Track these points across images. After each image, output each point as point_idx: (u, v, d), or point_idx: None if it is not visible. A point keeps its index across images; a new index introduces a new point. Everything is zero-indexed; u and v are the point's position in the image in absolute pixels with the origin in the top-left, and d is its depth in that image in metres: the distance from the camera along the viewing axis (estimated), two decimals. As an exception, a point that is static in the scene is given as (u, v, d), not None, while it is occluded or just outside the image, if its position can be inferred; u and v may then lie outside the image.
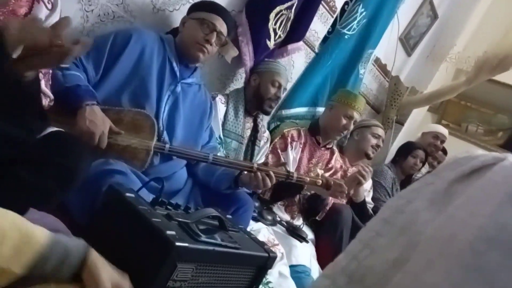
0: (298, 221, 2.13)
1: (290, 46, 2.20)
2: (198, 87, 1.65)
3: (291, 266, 1.76)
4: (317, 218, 2.15)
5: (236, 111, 1.93)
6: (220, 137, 1.85)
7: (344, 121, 2.19)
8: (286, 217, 2.10)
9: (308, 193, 2.16)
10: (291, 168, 2.10)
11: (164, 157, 1.44)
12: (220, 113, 1.87)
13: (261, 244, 1.15)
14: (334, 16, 2.52)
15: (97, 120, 1.22)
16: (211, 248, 0.93)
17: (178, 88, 1.51)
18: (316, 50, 2.56)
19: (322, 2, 2.35)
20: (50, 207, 0.92)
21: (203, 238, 0.93)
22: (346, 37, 2.56)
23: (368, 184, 2.69)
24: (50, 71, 1.13)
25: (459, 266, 0.35)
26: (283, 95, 2.48)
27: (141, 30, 1.49)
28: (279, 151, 2.13)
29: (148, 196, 1.09)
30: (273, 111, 2.45)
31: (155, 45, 1.48)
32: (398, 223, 0.43)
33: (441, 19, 3.45)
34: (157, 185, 1.26)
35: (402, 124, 3.59)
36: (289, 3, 2.00)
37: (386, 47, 3.04)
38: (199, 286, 0.93)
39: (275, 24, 2.01)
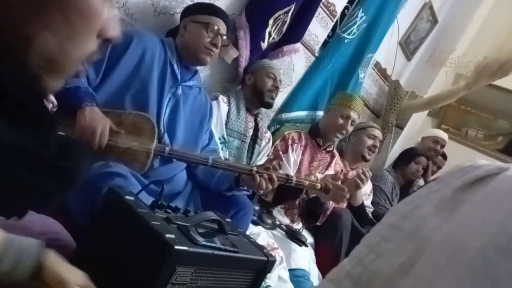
0: (298, 225, 2.13)
1: (286, 48, 2.21)
2: (199, 90, 1.65)
3: (290, 270, 1.76)
4: (317, 223, 2.15)
5: (238, 110, 1.95)
6: (223, 137, 1.86)
7: (341, 121, 2.19)
8: (286, 220, 2.10)
9: (308, 196, 2.15)
10: (292, 170, 2.11)
11: (164, 160, 1.44)
12: (222, 113, 1.88)
13: (261, 248, 1.15)
14: (334, 20, 2.53)
15: (97, 118, 1.23)
16: (210, 251, 0.93)
17: (179, 91, 1.52)
18: (316, 54, 2.57)
19: (322, 6, 2.36)
20: (49, 208, 0.92)
21: (202, 241, 0.93)
22: (346, 41, 2.57)
23: (368, 188, 2.69)
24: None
25: (470, 274, 0.36)
26: (282, 98, 2.49)
27: (142, 33, 1.49)
28: (280, 153, 2.13)
29: (148, 199, 1.09)
30: (273, 115, 2.47)
31: (156, 48, 1.48)
32: (405, 228, 0.44)
33: (441, 24, 3.46)
34: (156, 188, 1.26)
35: (402, 129, 3.59)
36: (287, 8, 2.02)
37: (386, 51, 3.05)
38: (198, 289, 0.93)
39: (271, 27, 2.03)
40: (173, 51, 1.53)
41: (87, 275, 0.75)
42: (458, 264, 0.37)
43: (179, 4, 1.74)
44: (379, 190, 2.89)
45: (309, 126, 2.37)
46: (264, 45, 2.06)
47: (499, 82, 3.35)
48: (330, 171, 2.25)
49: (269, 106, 2.06)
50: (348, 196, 2.10)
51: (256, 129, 2.07)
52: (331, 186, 1.77)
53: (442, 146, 3.38)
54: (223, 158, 1.73)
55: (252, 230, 1.72)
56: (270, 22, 2.01)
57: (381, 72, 3.21)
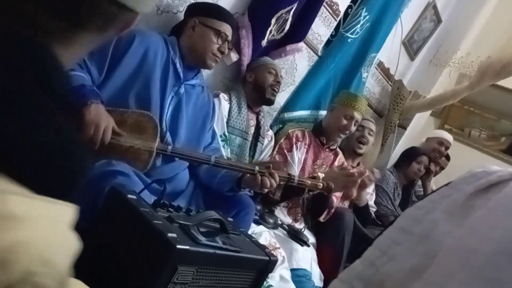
0: (300, 225, 2.13)
1: (289, 47, 2.20)
2: (201, 88, 1.65)
3: (292, 270, 1.76)
4: (321, 219, 2.15)
5: (240, 107, 1.95)
6: (224, 134, 1.86)
7: (344, 122, 2.19)
8: (288, 220, 2.10)
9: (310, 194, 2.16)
10: (297, 169, 2.11)
11: (167, 159, 1.44)
12: (224, 110, 1.88)
13: (262, 248, 1.15)
14: (338, 19, 2.52)
15: (102, 114, 1.24)
16: (212, 251, 0.93)
17: (182, 90, 1.52)
18: (319, 53, 2.56)
19: (326, 5, 2.35)
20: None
21: (204, 241, 0.93)
22: (349, 40, 2.56)
23: (370, 187, 2.68)
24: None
25: (479, 279, 0.36)
26: (285, 97, 2.49)
27: (145, 32, 1.49)
28: (285, 151, 2.13)
29: (150, 198, 1.09)
30: (275, 114, 2.47)
31: (158, 47, 1.48)
32: (416, 232, 0.44)
33: (444, 23, 3.44)
34: (159, 187, 1.26)
35: (405, 128, 3.58)
36: (289, 7, 2.02)
37: (389, 51, 3.04)
38: (199, 289, 0.93)
39: (273, 26, 2.03)
40: (176, 50, 1.53)
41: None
42: (468, 269, 0.37)
43: (182, 2, 1.74)
44: (381, 190, 2.88)
45: (311, 125, 2.37)
46: (264, 42, 2.06)
47: (503, 83, 3.34)
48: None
49: (270, 102, 2.06)
50: (352, 193, 2.10)
51: (258, 127, 2.07)
52: (333, 186, 1.76)
53: (447, 148, 3.36)
54: (225, 157, 1.73)
55: (254, 229, 1.72)
56: (273, 21, 2.01)
57: (384, 71, 3.21)
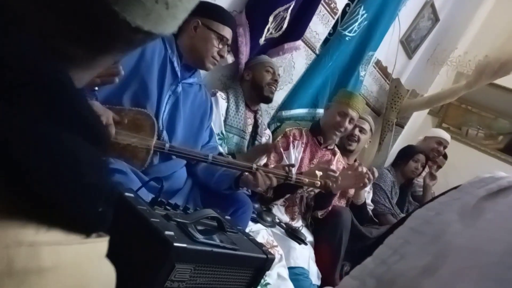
0: (298, 223, 2.13)
1: (286, 45, 2.20)
2: (199, 87, 1.65)
3: (290, 268, 1.76)
4: (319, 215, 2.16)
5: (237, 106, 1.95)
6: (222, 133, 1.86)
7: (338, 118, 2.18)
8: (286, 218, 2.10)
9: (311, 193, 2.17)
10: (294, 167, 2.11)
11: (164, 157, 1.44)
12: (221, 109, 1.88)
13: (260, 246, 1.15)
14: (335, 17, 2.52)
15: (99, 107, 1.23)
16: (209, 249, 0.93)
17: (179, 88, 1.51)
18: (317, 52, 2.56)
19: (324, 3, 2.35)
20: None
21: (202, 239, 0.93)
22: (347, 38, 2.56)
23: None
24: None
25: (490, 279, 0.37)
26: (282, 95, 2.48)
27: (142, 30, 1.48)
28: (281, 150, 2.13)
29: (148, 196, 1.09)
30: (273, 112, 2.47)
31: (156, 45, 1.47)
32: (428, 232, 0.46)
33: (442, 22, 3.45)
34: (156, 185, 1.26)
35: (402, 127, 3.59)
36: (287, 5, 2.02)
37: (387, 49, 3.04)
38: (197, 286, 0.93)
39: (271, 24, 2.03)
40: (173, 49, 1.52)
41: None
42: (479, 268, 0.38)
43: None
44: (379, 188, 2.88)
45: (309, 124, 2.37)
46: (262, 40, 2.06)
47: (500, 81, 3.34)
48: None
49: (268, 100, 2.06)
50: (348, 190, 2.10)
51: (256, 125, 2.07)
52: (330, 184, 1.76)
53: (445, 147, 3.37)
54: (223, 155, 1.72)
55: (252, 227, 1.72)
56: (270, 19, 2.01)
57: (382, 70, 3.21)
